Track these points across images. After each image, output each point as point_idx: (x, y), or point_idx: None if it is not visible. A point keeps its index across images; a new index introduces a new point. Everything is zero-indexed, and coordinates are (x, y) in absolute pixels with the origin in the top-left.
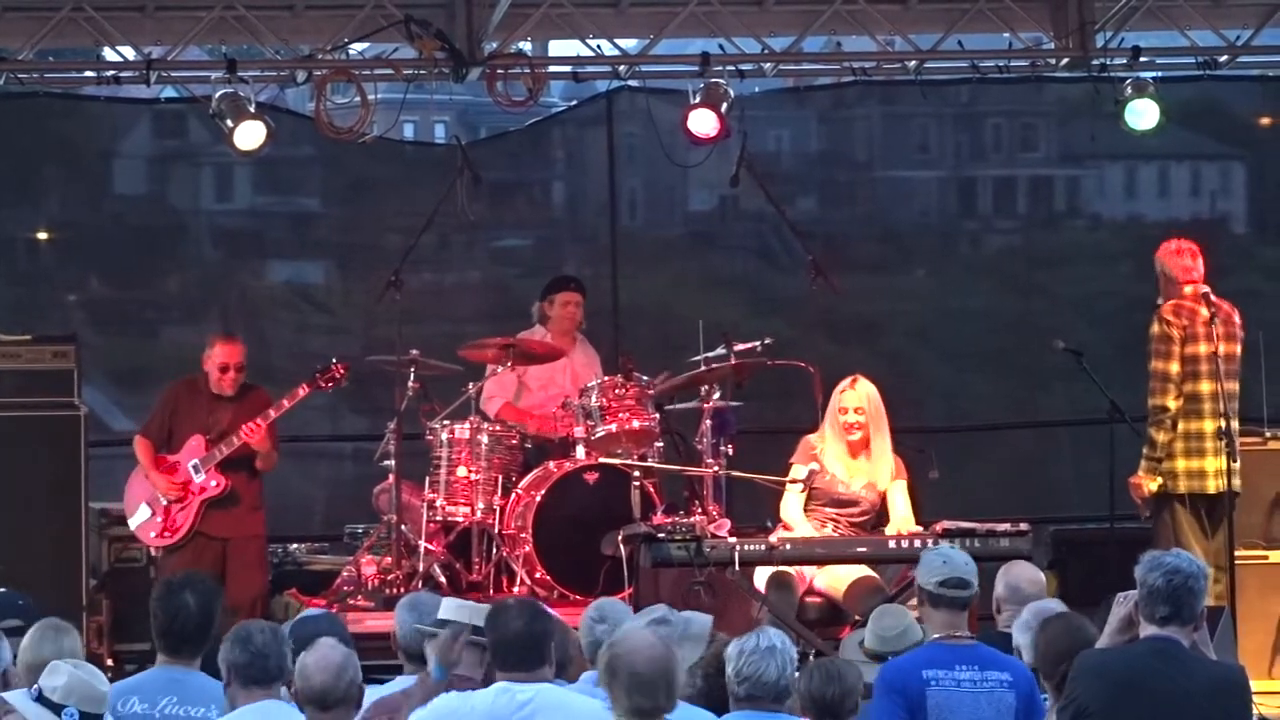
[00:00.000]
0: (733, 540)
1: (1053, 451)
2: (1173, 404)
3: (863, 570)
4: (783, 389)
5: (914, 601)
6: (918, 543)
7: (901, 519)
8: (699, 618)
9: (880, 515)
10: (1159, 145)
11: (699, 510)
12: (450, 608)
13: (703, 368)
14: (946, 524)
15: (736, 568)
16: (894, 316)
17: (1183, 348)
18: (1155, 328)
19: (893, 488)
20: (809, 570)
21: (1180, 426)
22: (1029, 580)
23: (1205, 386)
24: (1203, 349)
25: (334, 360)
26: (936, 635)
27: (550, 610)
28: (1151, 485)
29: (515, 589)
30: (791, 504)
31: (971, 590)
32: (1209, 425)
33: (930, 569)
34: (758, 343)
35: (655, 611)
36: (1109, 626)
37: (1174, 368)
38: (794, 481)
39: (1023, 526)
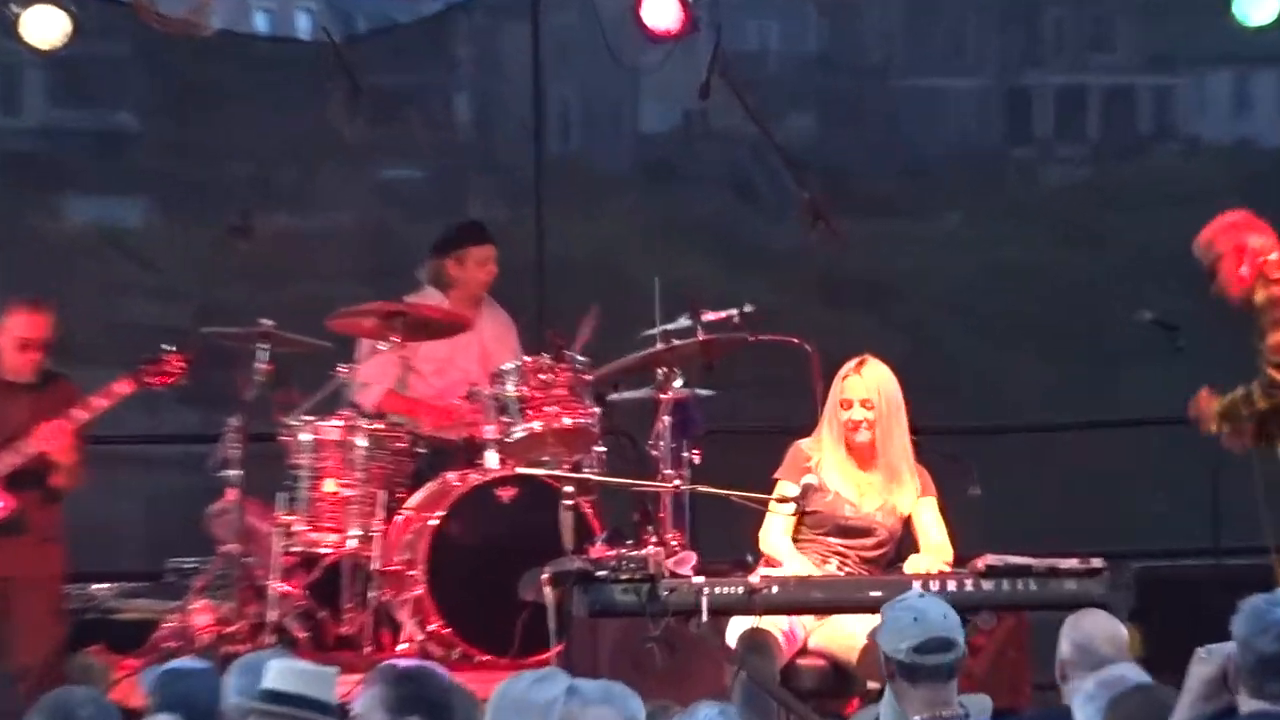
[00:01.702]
0: (699, 580)
1: (1135, 461)
2: None
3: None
4: (768, 375)
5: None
6: (953, 584)
7: (937, 547)
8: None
9: (901, 547)
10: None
11: (653, 539)
12: (286, 675)
13: (659, 345)
14: (990, 559)
15: (704, 618)
16: (917, 277)
17: None
18: (1262, 292)
19: (920, 507)
20: (805, 623)
21: None
22: (1105, 637)
23: None
24: None
25: (166, 348)
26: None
27: (448, 677)
28: (1217, 413)
29: (401, 646)
30: (779, 532)
31: (957, 652)
32: None
33: (897, 631)
34: (734, 311)
35: (551, 680)
36: (1187, 694)
37: None
38: (783, 501)
39: (1095, 563)
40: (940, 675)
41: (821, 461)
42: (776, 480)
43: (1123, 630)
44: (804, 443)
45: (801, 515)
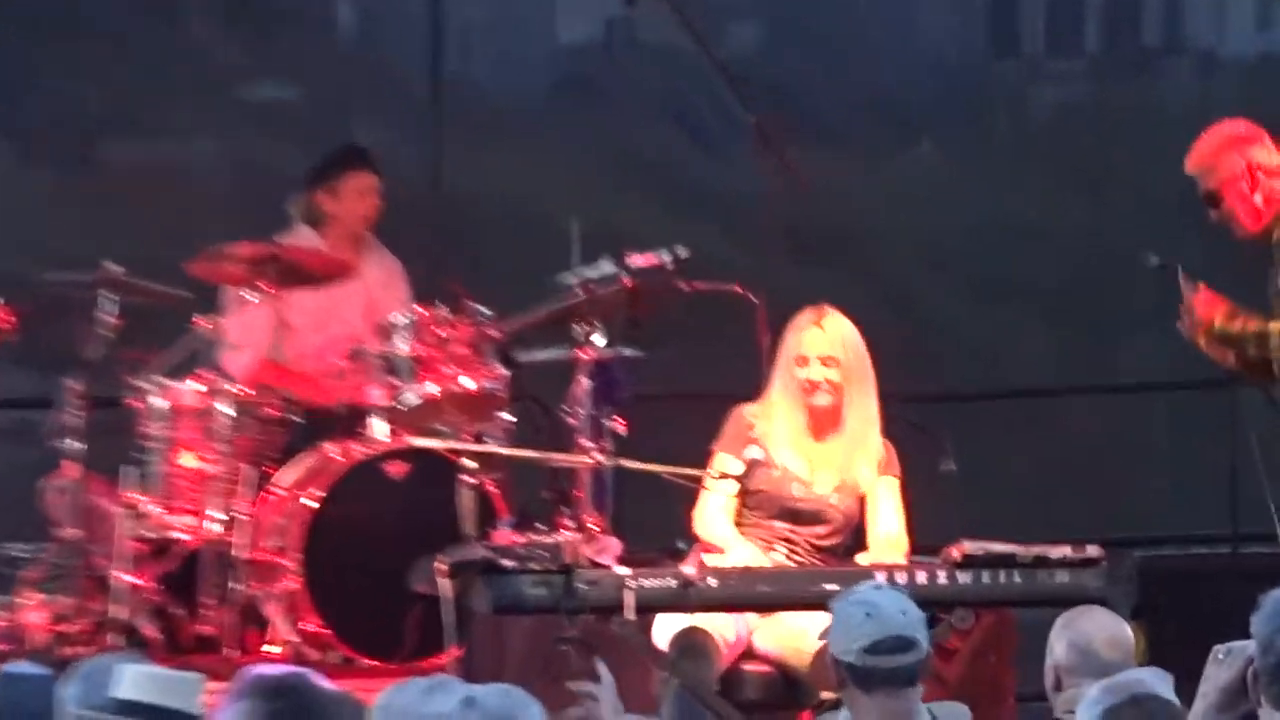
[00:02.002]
0: (624, 571)
1: (1138, 433)
2: None
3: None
4: (707, 330)
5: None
6: (923, 576)
7: (887, 540)
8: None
9: (862, 534)
10: None
11: (569, 523)
12: (143, 682)
13: (578, 295)
14: (968, 546)
15: (630, 615)
16: (887, 221)
17: None
18: None
19: (879, 487)
20: (747, 621)
21: None
22: (1106, 638)
23: None
24: None
25: None
26: None
27: (328, 687)
28: (1216, 331)
29: (270, 649)
30: (718, 514)
31: (919, 653)
32: None
33: (846, 630)
34: (666, 256)
35: (444, 690)
36: (1202, 699)
37: None
38: (723, 478)
39: (1092, 551)
40: (898, 680)
41: (769, 431)
42: (715, 453)
43: (1126, 630)
44: (748, 409)
45: (744, 495)
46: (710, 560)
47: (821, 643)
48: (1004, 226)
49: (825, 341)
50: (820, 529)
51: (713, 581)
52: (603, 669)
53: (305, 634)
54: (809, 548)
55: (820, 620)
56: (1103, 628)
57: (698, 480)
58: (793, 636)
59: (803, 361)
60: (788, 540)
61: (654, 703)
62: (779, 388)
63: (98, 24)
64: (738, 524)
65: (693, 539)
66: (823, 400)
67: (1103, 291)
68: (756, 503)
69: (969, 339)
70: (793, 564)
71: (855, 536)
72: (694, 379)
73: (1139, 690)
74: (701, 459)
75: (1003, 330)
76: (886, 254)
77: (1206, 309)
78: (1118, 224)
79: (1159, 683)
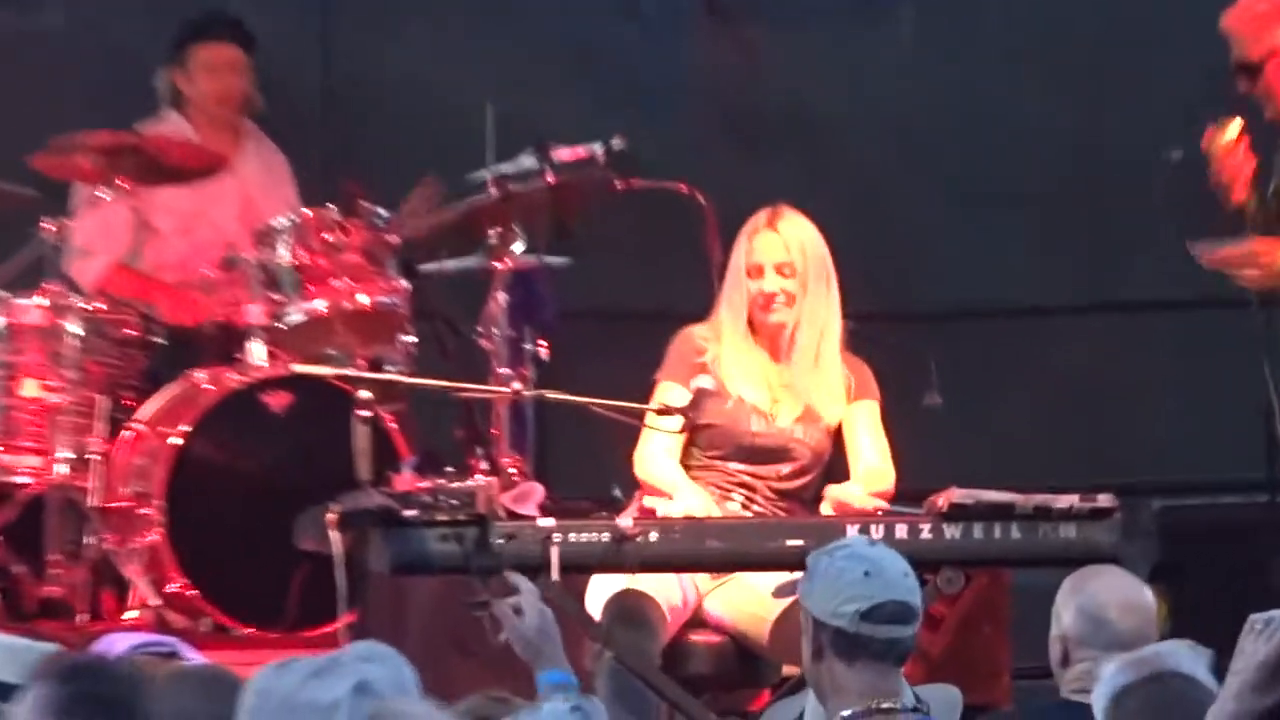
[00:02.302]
0: (548, 524)
1: (1155, 359)
2: None
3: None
4: (647, 237)
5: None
6: (901, 530)
7: (871, 472)
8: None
9: (832, 474)
10: None
11: (484, 466)
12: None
13: (494, 195)
14: (956, 495)
15: (555, 576)
16: (858, 103)
17: None
18: None
19: (853, 414)
20: (696, 584)
21: None
22: (1121, 603)
23: None
24: None
25: None
26: (846, 715)
27: (196, 660)
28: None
29: (128, 615)
30: (661, 455)
31: (916, 624)
32: None
33: (837, 587)
34: (597, 148)
35: (332, 674)
36: (1235, 676)
37: None
38: (666, 413)
39: (1103, 501)
40: (891, 655)
41: (720, 356)
42: (657, 383)
43: (1146, 594)
44: (695, 330)
45: (692, 432)
46: (659, 508)
47: (782, 607)
48: (992, 117)
49: (780, 246)
50: (784, 469)
51: (655, 535)
52: (518, 579)
53: (170, 597)
54: (771, 493)
55: (782, 582)
56: (1117, 591)
57: (637, 415)
58: (750, 601)
59: (756, 271)
60: (745, 485)
61: (586, 679)
62: (729, 304)
63: None
64: (685, 466)
65: (632, 485)
66: (779, 317)
67: (1108, 192)
68: (708, 440)
69: (951, 249)
70: (751, 514)
71: (827, 478)
72: (632, 295)
73: (1164, 666)
74: (642, 390)
75: (992, 239)
76: (856, 149)
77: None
78: (1124, 115)
79: (1192, 660)
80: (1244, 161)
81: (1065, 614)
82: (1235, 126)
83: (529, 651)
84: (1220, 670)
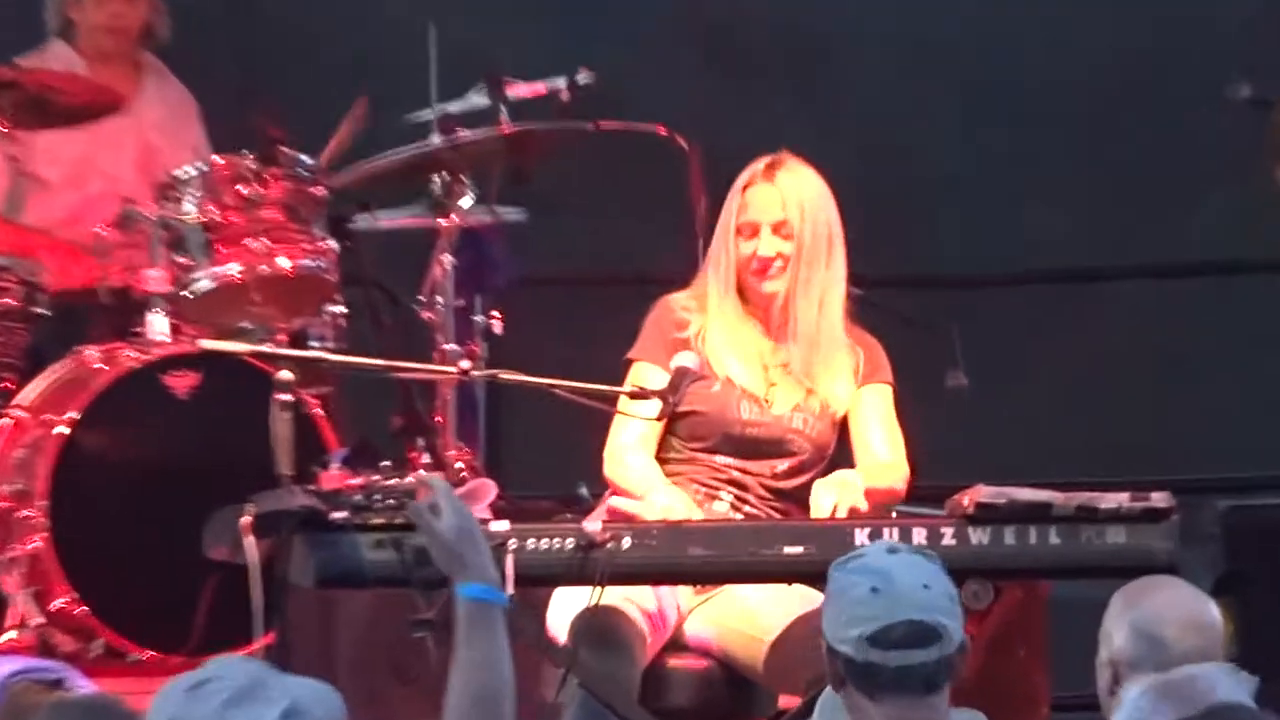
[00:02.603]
0: (503, 527)
1: (1219, 333)
2: None
3: (801, 598)
4: (620, 188)
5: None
6: (920, 535)
7: (880, 467)
8: None
9: (833, 469)
10: None
11: (426, 459)
12: None
13: (437, 137)
14: (985, 494)
15: (510, 589)
16: (865, 21)
17: None
18: None
19: (861, 400)
20: (677, 599)
21: None
22: (1182, 620)
23: None
24: None
25: None
26: None
27: (86, 689)
28: None
29: (6, 636)
30: (636, 447)
31: (947, 647)
32: None
33: (846, 609)
34: (560, 83)
35: (256, 699)
36: None
37: None
38: (641, 396)
39: (1159, 499)
40: (911, 684)
41: (705, 330)
42: (631, 362)
43: (1211, 610)
44: (677, 299)
45: (672, 419)
46: (626, 510)
47: (779, 627)
48: (1025, 36)
49: (778, 202)
50: (780, 464)
51: (628, 542)
52: (431, 477)
53: (56, 614)
54: (765, 492)
55: (780, 597)
56: (1177, 606)
57: (607, 399)
58: (740, 619)
59: (749, 231)
60: (735, 483)
61: (546, 712)
62: (717, 270)
63: None
64: (664, 460)
65: (601, 482)
66: (775, 285)
67: (1161, 137)
68: (690, 430)
69: (978, 201)
70: (742, 516)
71: (830, 474)
72: (602, 257)
73: (1210, 697)
74: (614, 370)
75: (1026, 189)
76: (864, 78)
77: None
78: (1180, 40)
79: (1231, 687)
80: None
81: (1116, 634)
82: None
83: (448, 560)
84: (1267, 699)
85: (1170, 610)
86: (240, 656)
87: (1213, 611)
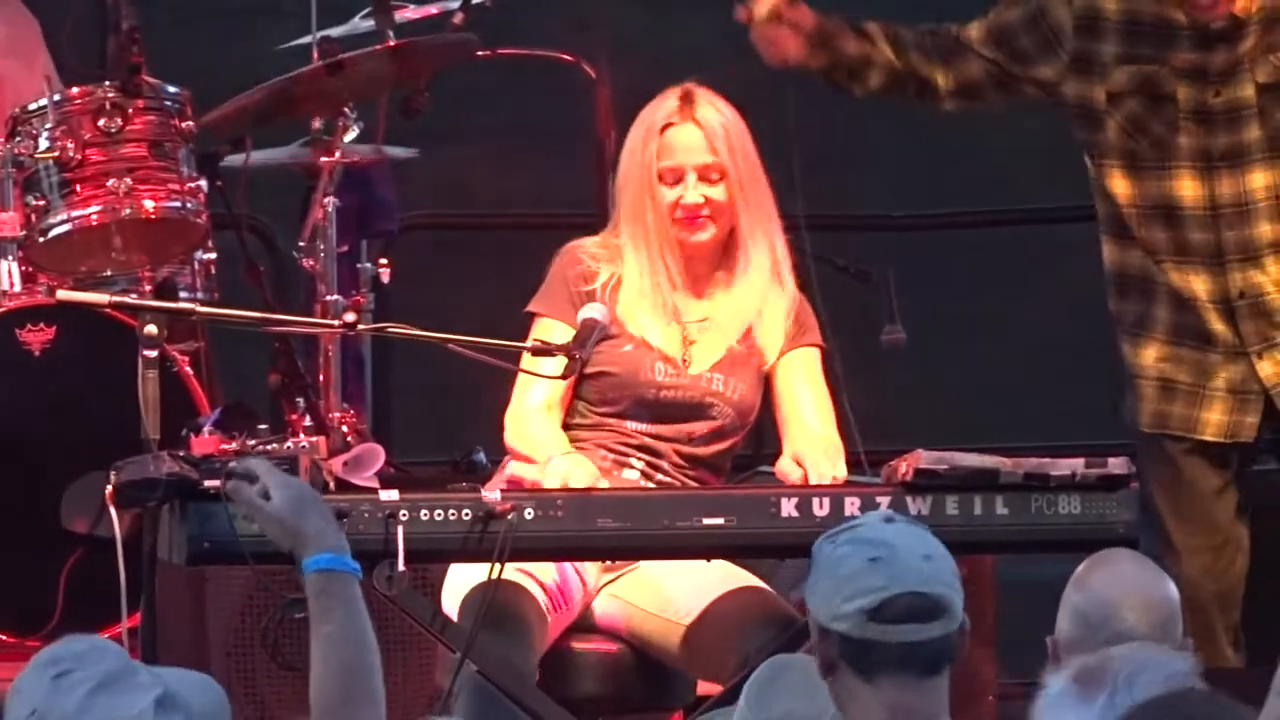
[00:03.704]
0: (392, 496)
1: None
2: None
3: (722, 575)
4: (521, 120)
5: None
6: (853, 504)
7: (814, 439)
8: None
9: (761, 438)
10: None
11: (307, 421)
12: None
13: (317, 64)
14: (925, 458)
15: (400, 565)
16: None
17: None
18: None
19: (787, 366)
20: (584, 577)
21: None
22: (1139, 599)
23: None
24: None
25: None
26: None
27: None
28: None
29: None
30: (537, 411)
31: (953, 622)
32: None
33: (843, 582)
34: (453, 3)
35: (127, 686)
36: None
37: None
38: (542, 351)
39: (1116, 465)
40: (916, 663)
41: (619, 281)
42: (534, 316)
43: (1168, 587)
44: (584, 248)
45: (579, 380)
46: (527, 478)
47: (697, 608)
48: None
49: (703, 144)
50: (698, 429)
51: (530, 513)
52: (250, 461)
53: None
54: (680, 459)
55: (694, 575)
56: (1124, 582)
57: (508, 356)
58: (654, 599)
59: (672, 177)
60: (647, 449)
61: (438, 699)
62: (635, 215)
63: None
64: (569, 426)
65: (501, 447)
66: (703, 235)
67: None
68: (599, 392)
69: (917, 132)
70: (654, 485)
71: (752, 442)
72: (501, 198)
73: (1168, 670)
74: (515, 324)
75: (978, 119)
76: None
77: None
78: None
79: (1183, 664)
80: None
81: (1066, 611)
82: None
83: (290, 538)
84: (1253, 681)
85: (1113, 588)
86: (100, 638)
87: (1167, 588)
